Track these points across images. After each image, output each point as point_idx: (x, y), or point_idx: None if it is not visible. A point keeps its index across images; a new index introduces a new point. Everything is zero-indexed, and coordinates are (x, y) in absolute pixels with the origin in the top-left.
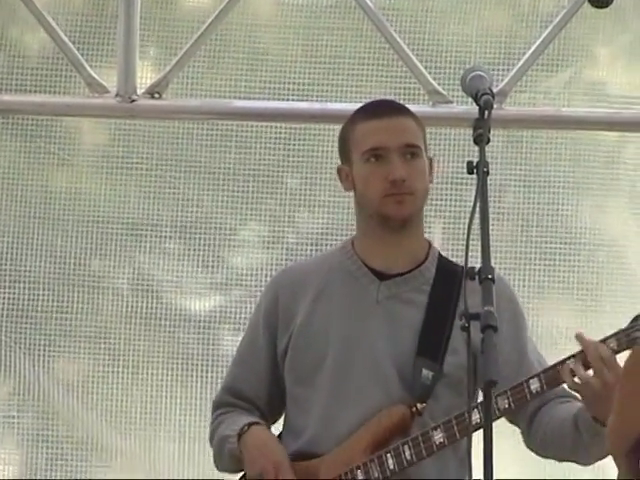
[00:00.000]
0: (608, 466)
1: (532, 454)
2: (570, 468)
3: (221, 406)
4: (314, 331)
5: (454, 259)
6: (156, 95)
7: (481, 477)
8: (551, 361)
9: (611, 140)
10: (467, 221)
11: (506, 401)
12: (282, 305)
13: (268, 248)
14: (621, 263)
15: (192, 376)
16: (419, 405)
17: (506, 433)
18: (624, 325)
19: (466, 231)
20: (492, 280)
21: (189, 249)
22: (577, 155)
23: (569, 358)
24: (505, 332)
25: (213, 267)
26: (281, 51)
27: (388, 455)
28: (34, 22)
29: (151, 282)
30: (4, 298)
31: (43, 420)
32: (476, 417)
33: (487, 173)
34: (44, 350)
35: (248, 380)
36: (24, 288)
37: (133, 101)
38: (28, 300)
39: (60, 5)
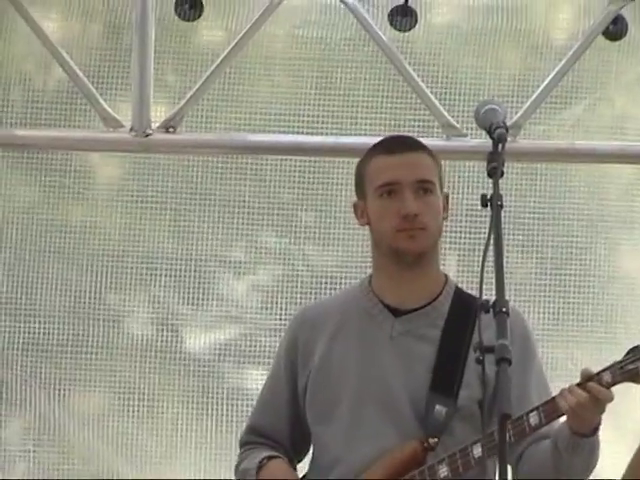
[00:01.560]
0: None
1: None
2: None
3: (246, 444)
4: (331, 369)
5: (469, 290)
6: (171, 129)
7: None
8: None
9: (625, 173)
10: (482, 253)
11: (511, 436)
12: (302, 344)
13: (281, 282)
14: (635, 295)
15: (207, 410)
16: (431, 440)
17: None
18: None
19: (480, 264)
20: (506, 313)
21: (204, 283)
22: (591, 188)
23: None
24: (512, 367)
25: (227, 301)
26: (295, 84)
27: None
28: (49, 57)
29: (166, 316)
30: (20, 332)
31: (59, 454)
32: (478, 451)
33: (501, 206)
34: (60, 384)
35: (270, 420)
36: (39, 322)
37: (148, 135)
38: (43, 334)
39: (75, 40)
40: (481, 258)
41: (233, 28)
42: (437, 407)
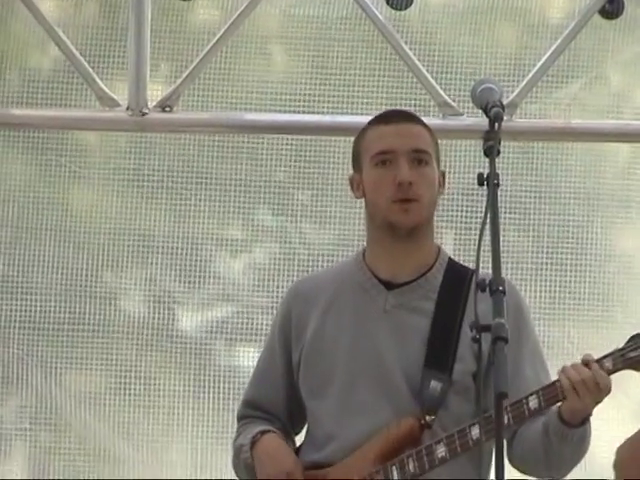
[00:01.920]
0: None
1: None
2: None
3: (243, 418)
4: (324, 343)
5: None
6: (167, 109)
7: None
8: None
9: (622, 151)
10: (478, 232)
11: (505, 417)
12: (295, 317)
13: (278, 261)
14: (632, 274)
15: (204, 387)
16: (428, 418)
17: None
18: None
19: (477, 242)
20: (503, 292)
21: (200, 261)
22: (587, 166)
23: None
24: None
25: (224, 279)
26: (291, 63)
27: (393, 467)
28: (45, 36)
29: (163, 294)
30: (16, 310)
31: (55, 432)
32: (476, 432)
33: (497, 185)
34: (56, 362)
35: (266, 393)
36: (36, 300)
37: (144, 115)
38: (40, 312)
39: (71, 19)
40: (477, 237)
41: (229, 7)
42: (432, 383)
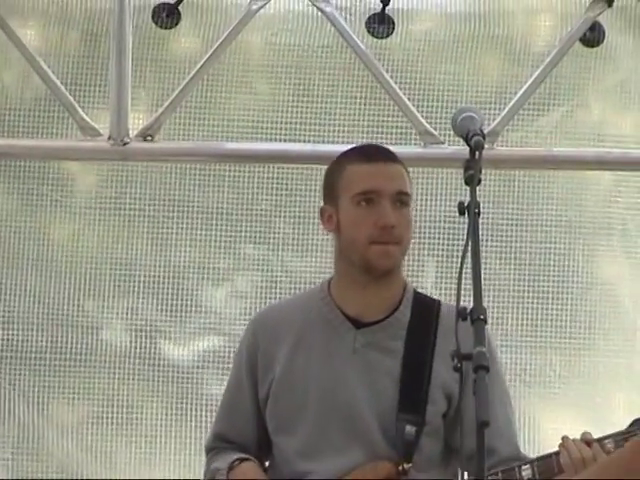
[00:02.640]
0: None
1: None
2: None
3: (212, 449)
4: (294, 380)
5: (447, 297)
6: (148, 138)
7: None
8: (544, 398)
9: (603, 179)
10: (459, 260)
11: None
12: (262, 352)
13: (260, 290)
14: (613, 302)
15: (186, 418)
16: (405, 465)
17: None
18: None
19: (458, 272)
20: (484, 320)
21: (182, 291)
22: (569, 194)
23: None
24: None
25: (207, 308)
26: (272, 92)
27: None
28: (26, 65)
29: (144, 323)
30: None
31: (37, 462)
32: None
33: (478, 214)
34: (38, 392)
35: (236, 425)
36: (17, 330)
37: (125, 144)
38: (22, 342)
39: (52, 48)
40: (459, 265)
41: (210, 36)
42: (407, 427)
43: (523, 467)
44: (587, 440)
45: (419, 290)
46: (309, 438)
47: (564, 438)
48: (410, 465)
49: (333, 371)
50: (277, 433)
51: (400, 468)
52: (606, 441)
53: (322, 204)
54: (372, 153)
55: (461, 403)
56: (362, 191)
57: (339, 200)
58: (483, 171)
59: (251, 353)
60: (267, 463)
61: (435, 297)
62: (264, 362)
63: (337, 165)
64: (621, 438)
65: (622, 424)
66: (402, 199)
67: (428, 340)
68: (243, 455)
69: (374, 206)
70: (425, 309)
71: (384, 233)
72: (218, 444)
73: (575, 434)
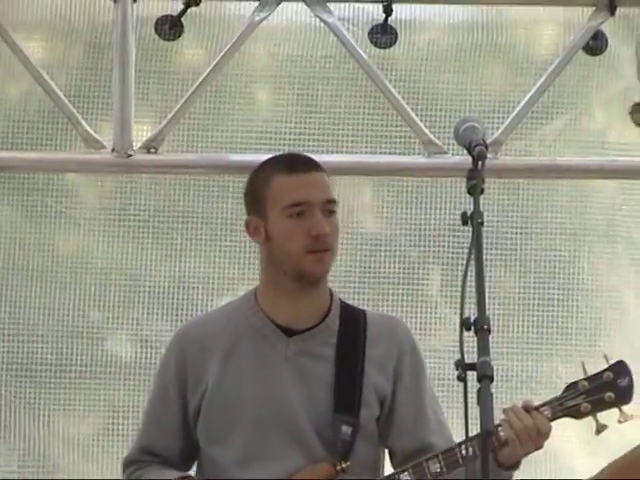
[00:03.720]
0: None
1: None
2: None
3: (134, 463)
4: (226, 392)
5: (452, 305)
6: (152, 150)
7: None
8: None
9: (607, 187)
10: (463, 270)
11: (437, 465)
12: (191, 365)
13: None
14: (619, 309)
15: None
16: (343, 464)
17: None
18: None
19: (462, 281)
20: (488, 330)
21: (187, 300)
22: (573, 202)
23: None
24: (407, 381)
25: None
26: (276, 102)
27: None
28: (29, 78)
29: (150, 334)
30: (3, 352)
31: (43, 474)
32: (407, 478)
33: (482, 224)
34: (44, 405)
35: (162, 439)
36: (23, 342)
37: (129, 156)
38: (27, 354)
39: (55, 61)
40: (462, 275)
41: (213, 47)
42: (343, 428)
43: (462, 446)
44: (527, 407)
45: (419, 297)
46: (246, 447)
47: (504, 410)
48: (348, 463)
49: (266, 379)
50: (210, 444)
51: (338, 467)
52: (543, 408)
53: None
54: (297, 163)
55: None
56: (292, 203)
57: (267, 212)
58: (487, 180)
59: (179, 367)
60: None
61: (360, 307)
62: (194, 376)
63: (262, 177)
64: (557, 404)
65: (627, 431)
66: (330, 207)
67: (358, 346)
68: (179, 473)
69: (305, 217)
70: (353, 317)
71: (318, 242)
72: (143, 457)
73: (581, 440)
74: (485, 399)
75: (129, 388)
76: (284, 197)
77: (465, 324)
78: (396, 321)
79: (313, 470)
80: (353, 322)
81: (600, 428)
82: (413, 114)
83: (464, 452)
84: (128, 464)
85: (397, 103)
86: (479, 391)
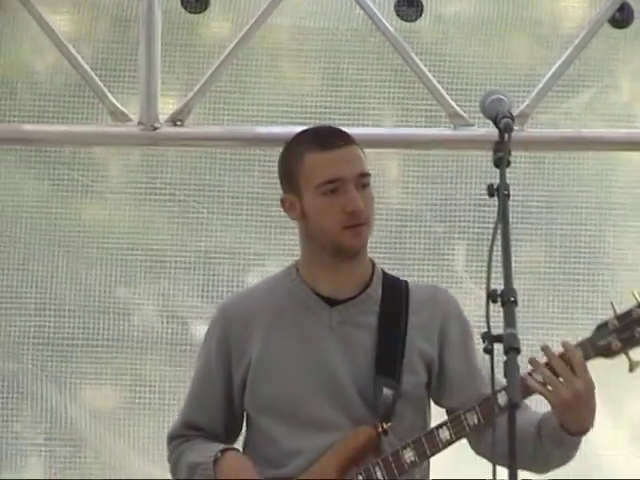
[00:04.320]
0: None
1: None
2: None
3: (177, 438)
4: (272, 363)
5: (477, 280)
6: (178, 123)
7: None
8: None
9: (633, 160)
10: (489, 243)
11: (475, 417)
12: (234, 341)
13: None
14: None
15: None
16: (385, 425)
17: None
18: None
19: (488, 254)
20: (515, 303)
21: (214, 275)
22: (599, 176)
23: (533, 371)
24: (454, 343)
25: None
26: (302, 75)
27: (359, 477)
28: (56, 52)
29: (176, 308)
30: (30, 326)
31: (70, 447)
32: (445, 434)
33: (508, 196)
34: (70, 378)
35: (206, 413)
36: (50, 316)
37: (156, 129)
38: (54, 328)
39: (82, 34)
40: (489, 248)
41: (239, 20)
42: (385, 390)
43: (498, 395)
44: (565, 346)
45: (444, 272)
46: (296, 416)
47: (544, 347)
48: (390, 424)
49: (311, 349)
50: (260, 415)
51: (379, 430)
52: (576, 349)
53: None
54: (329, 139)
55: (493, 381)
56: (326, 180)
57: (301, 189)
58: (513, 153)
59: (221, 345)
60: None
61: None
62: (238, 351)
63: (294, 154)
64: (588, 344)
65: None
66: (364, 181)
67: (400, 315)
68: (223, 445)
69: (340, 193)
70: (395, 287)
71: (353, 217)
72: (186, 432)
73: (603, 413)
74: (512, 371)
75: (155, 362)
76: (317, 175)
77: (492, 296)
78: (438, 288)
79: (355, 434)
80: (395, 291)
81: (633, 365)
82: (439, 86)
83: (500, 402)
84: (172, 439)
85: (423, 76)
86: (506, 363)
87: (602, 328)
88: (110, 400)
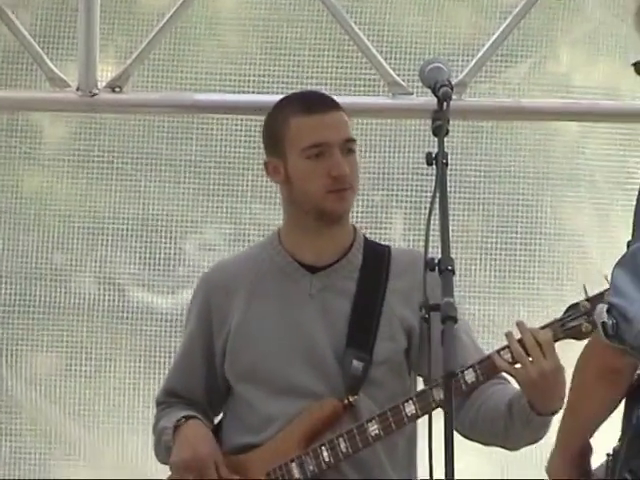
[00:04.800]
0: None
1: None
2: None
3: (160, 404)
4: (251, 330)
5: (415, 248)
6: (117, 89)
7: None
8: None
9: (571, 130)
10: (427, 212)
11: (441, 392)
12: (215, 308)
13: (229, 241)
14: (581, 253)
15: (155, 370)
16: (350, 398)
17: None
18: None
19: (426, 222)
20: (452, 271)
21: (151, 242)
22: (537, 146)
23: (504, 348)
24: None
25: (175, 261)
26: (241, 43)
27: (323, 448)
28: None
29: (114, 276)
30: None
31: (7, 414)
32: (411, 408)
33: (446, 164)
34: (7, 344)
35: (187, 381)
36: None
37: (94, 95)
38: None
39: (21, 0)
40: (427, 216)
41: None
42: (354, 362)
43: (466, 372)
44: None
45: (382, 240)
46: (275, 383)
47: (519, 323)
48: (356, 397)
49: (290, 316)
50: (240, 381)
51: (345, 402)
52: (544, 330)
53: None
54: (314, 103)
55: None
56: (311, 144)
57: (286, 153)
58: (451, 122)
59: (203, 312)
60: (220, 415)
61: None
62: (219, 318)
63: (279, 117)
64: (559, 325)
65: None
66: (350, 146)
67: (380, 280)
68: (189, 412)
69: (325, 157)
70: (376, 252)
71: (337, 182)
72: (167, 399)
73: None
74: (449, 340)
75: (92, 329)
76: (302, 138)
77: (429, 265)
78: (421, 254)
79: (320, 405)
80: (376, 257)
81: None
82: (378, 55)
83: (467, 379)
84: (156, 405)
85: (362, 44)
86: (443, 332)
87: (573, 309)
88: (46, 367)
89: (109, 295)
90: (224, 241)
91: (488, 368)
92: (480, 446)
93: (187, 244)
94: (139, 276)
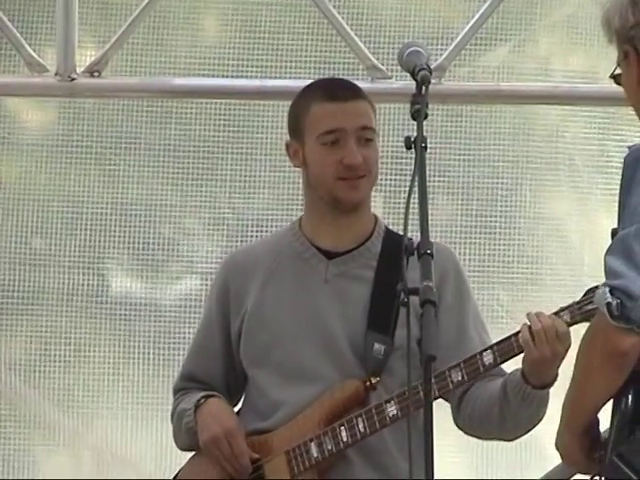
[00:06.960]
0: None
1: None
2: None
3: (180, 390)
4: (265, 313)
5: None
6: (95, 74)
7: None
8: (491, 333)
9: (550, 114)
10: (407, 196)
11: (459, 373)
12: (233, 290)
13: (208, 227)
14: (561, 237)
15: (134, 354)
16: (373, 379)
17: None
18: (576, 298)
19: (405, 206)
20: (431, 255)
21: (130, 227)
22: (517, 129)
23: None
24: (449, 302)
25: (154, 245)
26: (219, 28)
27: (342, 428)
28: None
29: (93, 261)
30: None
31: None
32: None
33: (425, 148)
34: None
35: (205, 366)
36: None
37: (73, 80)
38: None
39: None
40: (405, 200)
41: None
42: (376, 345)
43: (484, 353)
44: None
45: None
46: (285, 367)
47: (527, 314)
48: (378, 380)
49: (306, 301)
50: (252, 366)
51: (367, 384)
52: (562, 313)
53: (288, 138)
54: (337, 91)
55: (409, 335)
56: (326, 130)
57: (305, 137)
58: (430, 106)
59: (221, 294)
60: (241, 400)
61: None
62: (236, 300)
63: (302, 101)
64: (576, 308)
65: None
66: (366, 135)
67: (398, 271)
68: (209, 392)
69: (340, 145)
70: (396, 243)
71: (348, 170)
72: (186, 384)
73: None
74: (428, 324)
75: (71, 314)
76: (320, 124)
77: (409, 249)
78: (440, 246)
79: (342, 386)
80: (395, 247)
81: None
82: (357, 39)
83: (486, 360)
84: (174, 392)
85: (341, 28)
86: (422, 315)
87: (591, 292)
88: (26, 352)
89: (88, 280)
90: (202, 226)
91: (505, 350)
92: None
93: (166, 229)
94: (118, 261)
